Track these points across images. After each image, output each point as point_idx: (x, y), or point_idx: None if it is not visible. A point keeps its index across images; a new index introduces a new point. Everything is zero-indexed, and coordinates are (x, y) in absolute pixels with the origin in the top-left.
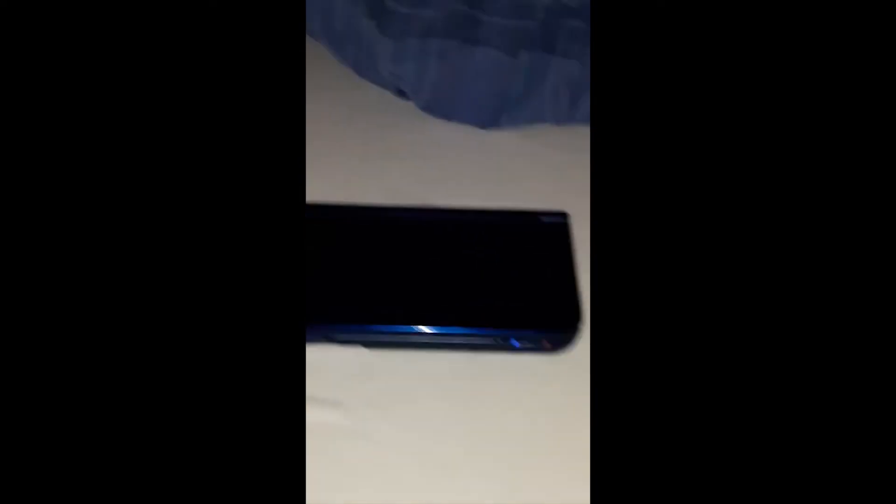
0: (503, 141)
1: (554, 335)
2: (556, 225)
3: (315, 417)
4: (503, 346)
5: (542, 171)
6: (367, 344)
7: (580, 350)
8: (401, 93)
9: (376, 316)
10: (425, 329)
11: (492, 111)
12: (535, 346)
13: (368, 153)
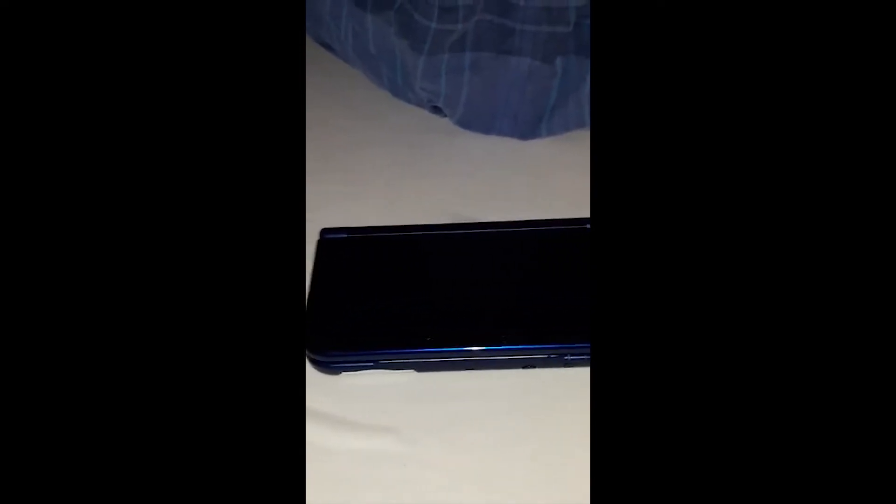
0: (543, 150)
1: None
2: None
3: (370, 445)
4: (556, 361)
5: (583, 178)
6: (419, 367)
7: None
8: (436, 109)
9: (426, 338)
10: (477, 349)
11: (529, 121)
12: (589, 360)
13: (407, 174)
